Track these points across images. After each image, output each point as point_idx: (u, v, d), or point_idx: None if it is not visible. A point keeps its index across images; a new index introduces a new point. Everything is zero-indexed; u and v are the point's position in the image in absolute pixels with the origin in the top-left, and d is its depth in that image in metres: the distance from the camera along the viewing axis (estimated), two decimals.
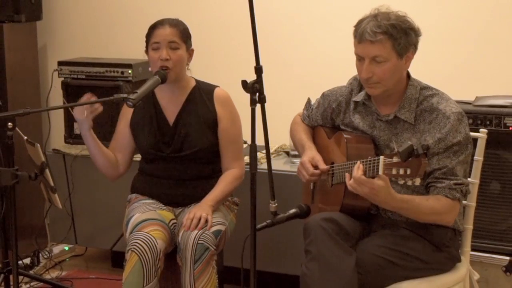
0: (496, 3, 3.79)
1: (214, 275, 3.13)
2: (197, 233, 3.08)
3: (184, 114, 3.34)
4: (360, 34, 2.74)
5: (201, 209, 3.17)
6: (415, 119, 2.81)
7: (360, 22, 2.78)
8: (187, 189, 3.34)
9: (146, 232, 3.08)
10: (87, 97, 3.19)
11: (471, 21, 3.85)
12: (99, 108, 3.19)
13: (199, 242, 3.06)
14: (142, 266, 3.03)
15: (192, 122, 3.33)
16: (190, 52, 3.34)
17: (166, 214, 3.26)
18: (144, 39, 3.33)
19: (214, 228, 3.14)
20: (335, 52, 4.04)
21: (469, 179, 2.90)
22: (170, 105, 3.36)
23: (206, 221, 3.12)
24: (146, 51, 3.33)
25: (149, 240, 3.05)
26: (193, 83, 3.39)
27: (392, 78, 2.78)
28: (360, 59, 2.79)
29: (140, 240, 3.05)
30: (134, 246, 3.04)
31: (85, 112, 3.16)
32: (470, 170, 2.90)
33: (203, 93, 3.37)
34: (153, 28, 3.29)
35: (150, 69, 3.35)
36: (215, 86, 3.40)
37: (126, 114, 3.42)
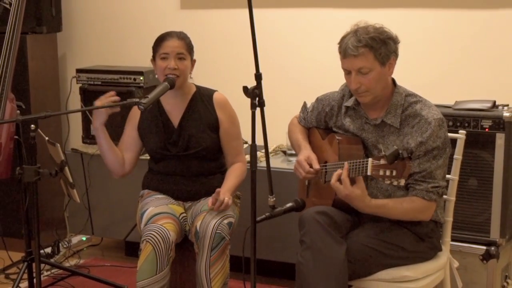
0: (473, 18, 3.80)
1: (227, 263, 3.13)
2: (215, 223, 3.07)
3: (187, 117, 3.34)
4: (344, 50, 2.74)
5: (226, 194, 3.15)
6: (400, 124, 2.81)
7: (342, 39, 2.78)
8: (194, 184, 3.33)
9: (160, 225, 3.07)
10: (112, 93, 3.19)
11: (451, 34, 3.85)
12: (115, 109, 3.20)
13: (217, 231, 3.06)
14: (156, 255, 3.02)
15: (195, 124, 3.32)
16: (192, 62, 3.34)
17: (176, 208, 3.26)
18: None
19: (227, 220, 3.13)
20: (327, 60, 4.02)
21: (449, 176, 2.90)
22: (174, 109, 3.36)
23: (226, 206, 3.11)
24: (153, 60, 3.32)
25: (163, 232, 3.05)
26: (193, 89, 3.38)
27: (379, 85, 2.78)
28: (347, 72, 2.79)
29: (154, 231, 3.05)
30: (149, 237, 3.04)
31: (105, 103, 3.15)
32: (450, 168, 2.90)
33: (203, 97, 3.36)
34: (161, 40, 3.27)
35: (156, 76, 3.35)
36: (213, 91, 3.40)
37: (133, 118, 3.41)
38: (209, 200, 3.16)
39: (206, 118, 3.33)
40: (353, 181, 2.65)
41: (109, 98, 3.18)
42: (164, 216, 3.14)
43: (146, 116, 3.36)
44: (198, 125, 3.32)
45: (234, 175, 3.31)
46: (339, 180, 2.66)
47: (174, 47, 3.24)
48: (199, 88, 3.40)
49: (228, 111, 3.37)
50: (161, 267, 3.04)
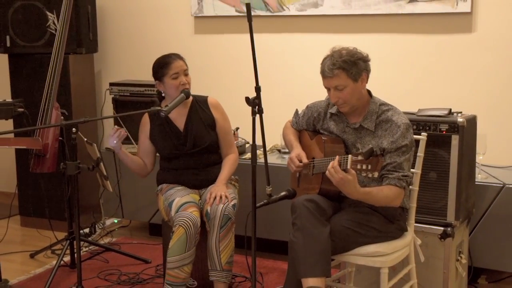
0: (432, 42, 3.80)
1: (233, 239, 3.15)
2: (223, 206, 3.09)
3: (190, 121, 3.34)
4: (322, 72, 2.75)
5: (219, 189, 3.18)
6: (375, 128, 2.81)
7: (322, 62, 2.77)
8: (205, 174, 3.33)
9: (190, 212, 3.07)
10: (116, 128, 3.19)
11: (416, 55, 3.86)
12: (124, 134, 3.19)
13: (225, 213, 3.08)
14: (187, 237, 3.03)
15: (197, 126, 3.33)
16: None
17: (195, 196, 3.25)
18: None
19: (232, 202, 3.14)
20: (314, 75, 4.00)
21: (413, 170, 2.90)
22: (178, 117, 3.35)
23: (226, 197, 3.14)
24: (160, 82, 3.29)
25: (193, 219, 3.05)
26: (190, 97, 3.37)
27: (353, 97, 2.77)
28: (327, 89, 2.79)
29: (187, 218, 3.04)
30: (182, 222, 3.03)
31: (115, 141, 3.16)
32: (414, 164, 2.90)
33: (200, 103, 3.37)
34: (167, 63, 3.25)
35: (163, 94, 3.33)
36: (206, 96, 3.41)
37: (144, 128, 3.41)
38: (208, 199, 3.14)
39: (205, 119, 3.34)
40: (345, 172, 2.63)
41: (118, 132, 3.16)
42: (191, 205, 3.13)
43: (155, 128, 3.36)
44: (200, 126, 3.32)
45: (229, 164, 3.34)
46: (333, 168, 2.61)
47: (180, 66, 3.26)
48: (194, 97, 3.39)
49: (221, 111, 3.39)
50: (189, 247, 3.04)
